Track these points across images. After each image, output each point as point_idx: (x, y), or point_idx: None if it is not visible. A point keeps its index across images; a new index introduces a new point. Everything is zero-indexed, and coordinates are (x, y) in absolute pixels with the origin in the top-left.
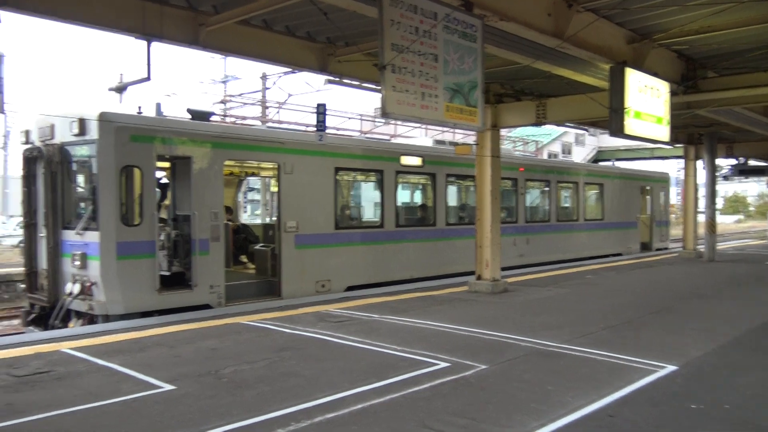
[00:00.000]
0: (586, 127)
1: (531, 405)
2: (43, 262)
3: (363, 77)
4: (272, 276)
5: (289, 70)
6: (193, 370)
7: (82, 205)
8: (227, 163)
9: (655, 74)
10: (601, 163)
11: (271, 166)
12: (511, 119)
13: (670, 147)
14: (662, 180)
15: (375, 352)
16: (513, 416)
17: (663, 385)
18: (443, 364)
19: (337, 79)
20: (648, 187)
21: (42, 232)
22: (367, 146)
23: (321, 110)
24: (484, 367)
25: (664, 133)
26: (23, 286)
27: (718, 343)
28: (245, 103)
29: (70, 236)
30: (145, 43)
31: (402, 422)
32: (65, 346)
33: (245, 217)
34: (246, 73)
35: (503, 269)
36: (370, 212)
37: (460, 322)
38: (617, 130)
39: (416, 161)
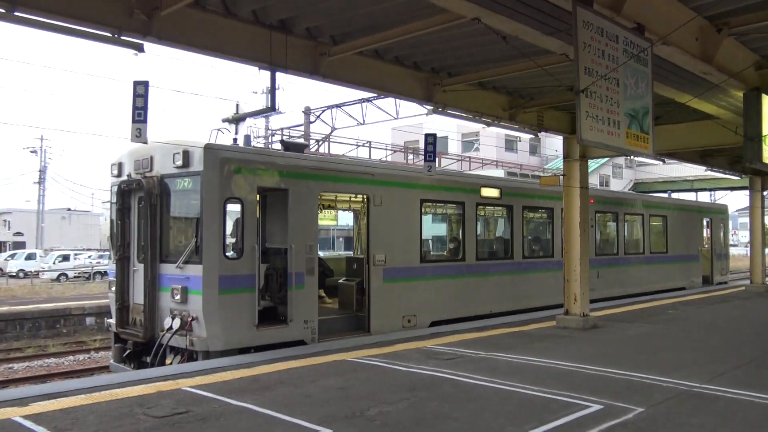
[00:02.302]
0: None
1: None
2: (136, 297)
3: (466, 107)
4: (358, 310)
5: (334, 104)
6: (337, 412)
7: (183, 238)
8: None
9: None
10: (658, 195)
11: (360, 199)
12: (600, 150)
13: (714, 179)
14: (721, 212)
15: (514, 393)
16: None
17: None
18: (596, 407)
19: (441, 108)
20: (708, 219)
21: (135, 266)
22: (449, 177)
23: (431, 140)
24: (641, 410)
25: None
26: (110, 321)
27: None
28: (291, 137)
29: (169, 270)
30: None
31: None
32: (183, 384)
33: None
34: (289, 107)
35: None
36: (452, 245)
37: (575, 359)
38: (754, 159)
39: (495, 193)
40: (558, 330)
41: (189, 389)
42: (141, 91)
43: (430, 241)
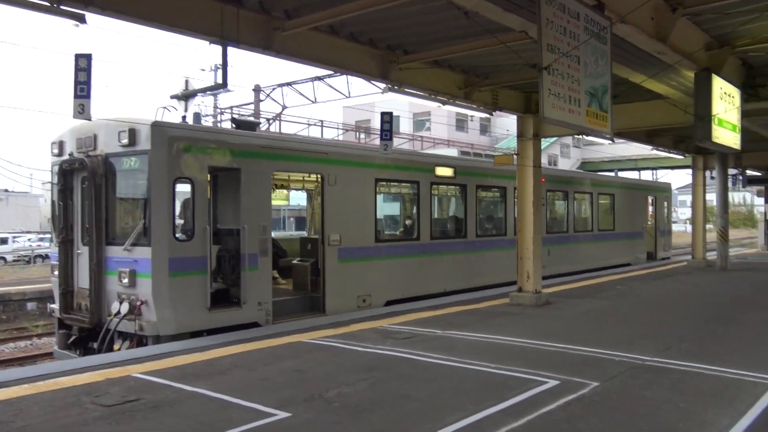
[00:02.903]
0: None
1: (678, 425)
2: (80, 281)
3: (421, 86)
4: (312, 291)
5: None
6: (295, 395)
7: (130, 220)
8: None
9: (731, 81)
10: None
11: (313, 178)
12: (555, 129)
13: (658, 158)
14: (665, 190)
15: (472, 371)
16: None
17: None
18: (553, 382)
19: (396, 87)
20: (653, 197)
21: (79, 249)
22: (404, 156)
23: (387, 119)
24: (596, 384)
25: (737, 141)
26: (54, 306)
27: None
28: (242, 115)
29: (116, 253)
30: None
31: None
32: (134, 371)
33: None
34: (239, 85)
35: None
36: (407, 225)
37: (529, 336)
38: (704, 138)
39: (449, 172)
40: (512, 307)
41: (140, 376)
42: (83, 64)
43: (384, 221)
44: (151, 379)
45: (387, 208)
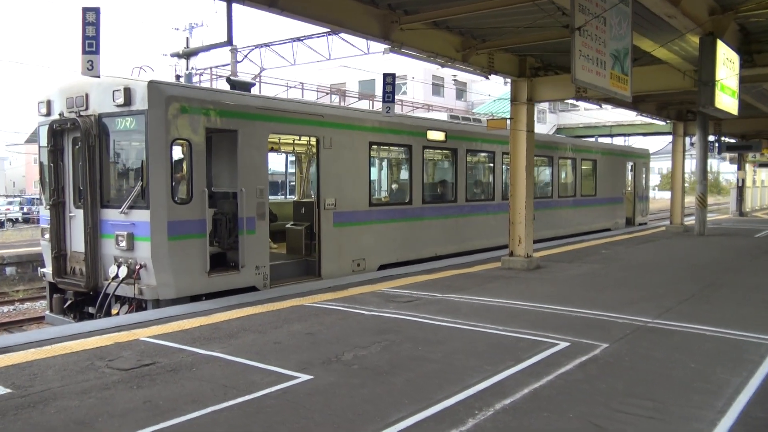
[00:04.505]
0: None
1: (695, 384)
2: (74, 244)
3: (421, 47)
4: (307, 255)
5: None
6: (312, 358)
7: (126, 182)
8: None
9: (732, 47)
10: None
11: (306, 141)
12: (548, 93)
13: (633, 124)
14: (644, 156)
15: (480, 333)
16: (690, 396)
17: None
18: (564, 344)
19: (398, 48)
20: (632, 163)
21: (72, 212)
22: (397, 120)
23: (389, 80)
24: (606, 345)
25: (735, 106)
26: (45, 270)
27: None
28: (219, 76)
29: (112, 215)
30: (224, 4)
31: (588, 406)
32: (141, 335)
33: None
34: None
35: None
36: (400, 189)
37: (528, 299)
38: (708, 103)
39: (441, 136)
40: (504, 271)
41: (148, 339)
42: (91, 18)
43: (378, 185)
44: (161, 342)
45: (380, 171)
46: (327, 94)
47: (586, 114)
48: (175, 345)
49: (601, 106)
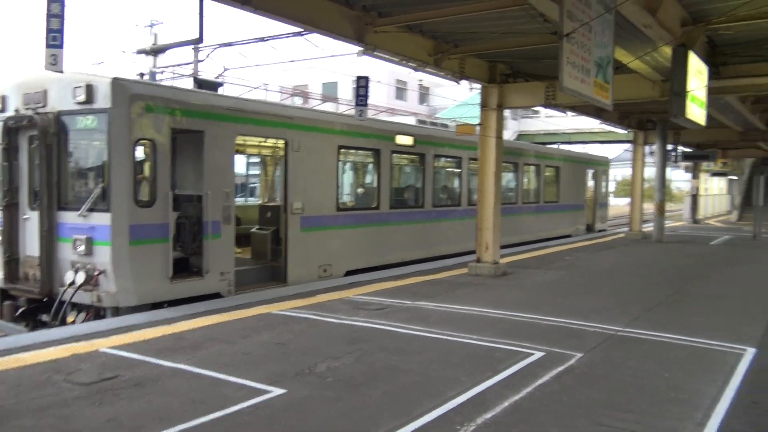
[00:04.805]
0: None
1: (671, 394)
2: (28, 248)
3: (398, 51)
4: (273, 260)
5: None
6: (284, 370)
7: (86, 183)
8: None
9: (702, 58)
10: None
11: (273, 144)
12: (518, 100)
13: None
14: (604, 164)
15: (454, 343)
16: (669, 408)
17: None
18: (538, 353)
19: (372, 50)
20: (593, 171)
21: (26, 214)
22: (366, 124)
23: (363, 83)
24: (580, 355)
25: (704, 117)
26: None
27: (763, 323)
28: (182, 75)
29: (70, 218)
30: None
31: (569, 419)
32: (100, 345)
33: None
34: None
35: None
36: (368, 193)
37: (498, 306)
38: (679, 113)
39: (409, 141)
40: (471, 278)
41: (109, 351)
42: (56, 10)
43: (346, 189)
44: (123, 354)
45: (348, 176)
46: (290, 96)
47: (547, 121)
48: (138, 357)
49: (566, 114)
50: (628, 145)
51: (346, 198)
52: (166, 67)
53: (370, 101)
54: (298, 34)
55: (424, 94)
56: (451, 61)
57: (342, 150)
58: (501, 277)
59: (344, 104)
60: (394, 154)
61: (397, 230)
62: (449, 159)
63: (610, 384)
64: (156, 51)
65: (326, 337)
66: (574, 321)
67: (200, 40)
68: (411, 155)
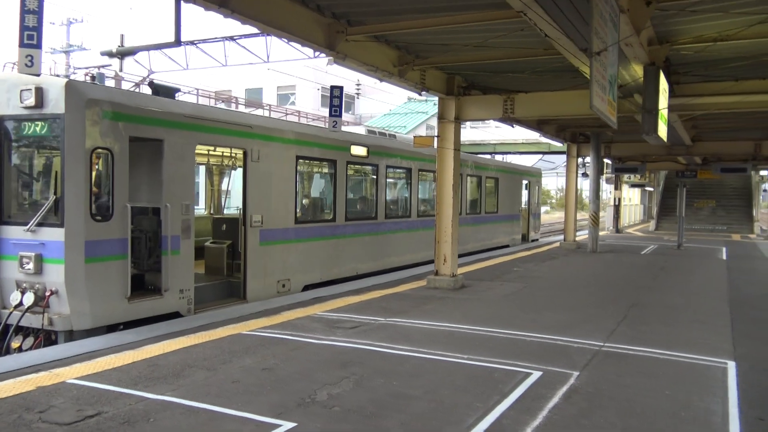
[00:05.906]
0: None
1: (681, 414)
2: None
3: (366, 61)
4: (229, 276)
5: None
6: (284, 399)
7: (35, 195)
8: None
9: (666, 77)
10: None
11: (223, 153)
12: (476, 112)
13: (515, 143)
14: (537, 175)
15: (452, 363)
16: (685, 428)
17: (758, 381)
18: (536, 373)
19: (342, 59)
20: (527, 182)
21: None
22: (323, 134)
23: (336, 93)
24: (576, 373)
25: (665, 133)
26: None
27: (726, 334)
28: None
29: (15, 233)
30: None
31: None
32: (65, 376)
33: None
34: (95, 44)
35: (426, 262)
36: (324, 205)
37: (473, 322)
38: (651, 130)
39: (363, 151)
40: (432, 291)
41: (77, 382)
42: (32, 5)
43: (303, 201)
44: (95, 385)
45: (305, 187)
46: (213, 99)
47: (472, 132)
48: (114, 388)
49: (513, 126)
50: (543, 156)
51: (304, 210)
52: (87, 67)
53: (296, 108)
54: (231, 38)
55: (349, 102)
56: (414, 72)
57: (300, 160)
58: (461, 290)
59: (277, 111)
60: (350, 165)
61: (352, 242)
62: (400, 170)
63: (621, 405)
64: (123, 53)
65: (314, 361)
66: (553, 336)
67: (178, 42)
68: (365, 166)
